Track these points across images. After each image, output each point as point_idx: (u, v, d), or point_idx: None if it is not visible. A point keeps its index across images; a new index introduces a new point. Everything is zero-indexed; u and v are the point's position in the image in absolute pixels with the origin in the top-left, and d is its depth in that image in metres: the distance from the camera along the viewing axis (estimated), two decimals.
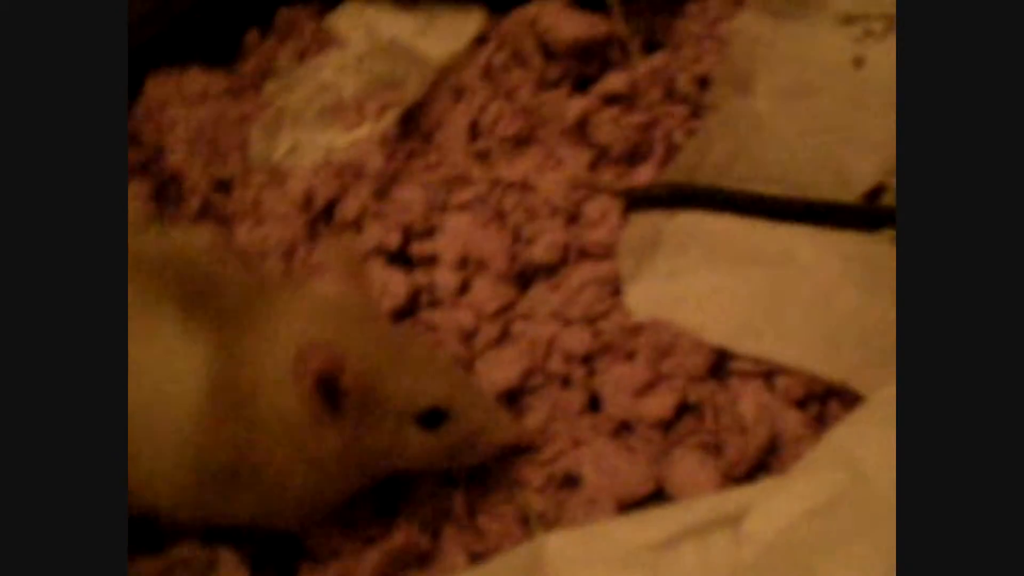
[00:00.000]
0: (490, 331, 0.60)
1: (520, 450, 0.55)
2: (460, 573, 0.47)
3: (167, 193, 0.68)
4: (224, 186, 0.69)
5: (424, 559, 0.51)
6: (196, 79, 0.74)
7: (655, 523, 0.48)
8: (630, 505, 0.52)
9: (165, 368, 0.48)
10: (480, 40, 0.76)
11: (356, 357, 0.47)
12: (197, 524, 0.51)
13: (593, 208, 0.62)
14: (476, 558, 0.51)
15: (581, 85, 0.72)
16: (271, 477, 0.49)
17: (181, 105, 0.72)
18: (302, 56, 0.77)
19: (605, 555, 0.47)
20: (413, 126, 0.72)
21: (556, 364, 0.58)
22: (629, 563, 0.47)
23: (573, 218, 0.63)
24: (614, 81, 0.67)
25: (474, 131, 0.71)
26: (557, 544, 0.47)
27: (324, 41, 0.77)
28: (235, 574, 0.49)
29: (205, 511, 0.50)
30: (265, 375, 0.48)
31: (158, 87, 0.73)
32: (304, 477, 0.49)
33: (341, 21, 0.79)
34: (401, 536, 0.50)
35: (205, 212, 0.67)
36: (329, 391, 0.47)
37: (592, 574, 0.46)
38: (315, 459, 0.49)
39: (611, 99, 0.66)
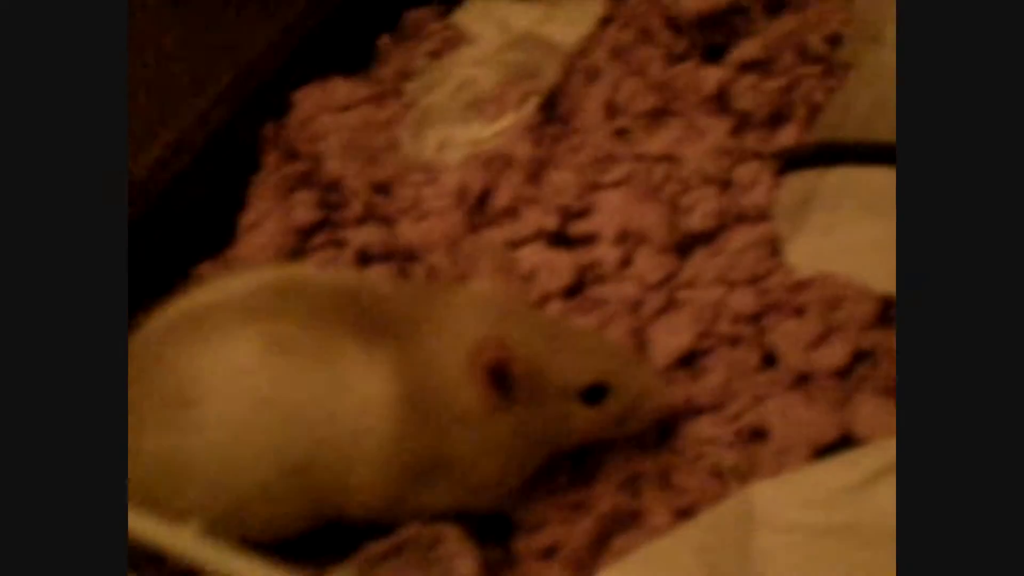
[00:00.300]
0: (656, 300, 0.63)
1: (699, 410, 0.58)
2: (678, 527, 0.50)
3: (330, 200, 0.72)
4: (382, 188, 0.73)
5: (632, 519, 0.54)
6: (340, 88, 0.78)
7: (851, 466, 0.51)
8: (821, 451, 0.54)
9: (354, 387, 0.51)
10: (605, 21, 0.79)
11: (521, 345, 0.51)
12: (392, 519, 0.55)
13: (744, 173, 0.65)
14: (680, 514, 0.54)
15: (709, 54, 0.75)
16: (463, 468, 0.53)
17: (329, 115, 0.76)
18: (435, 55, 0.80)
19: (809, 499, 0.50)
20: (552, 111, 0.75)
21: (725, 326, 0.61)
22: (832, 504, 0.50)
23: (725, 184, 0.65)
24: (748, 48, 0.69)
25: (611, 110, 0.74)
26: (764, 492, 0.50)
27: (454, 39, 0.81)
28: (461, 547, 0.53)
29: (404, 507, 0.54)
30: (445, 374, 0.52)
31: (306, 100, 0.77)
32: (491, 462, 0.53)
33: (467, 17, 0.82)
34: (609, 500, 0.54)
35: (368, 214, 0.71)
36: (500, 380, 0.51)
37: (799, 517, 0.49)
38: (497, 445, 0.53)
39: (747, 66, 0.69)
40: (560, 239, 0.67)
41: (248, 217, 0.71)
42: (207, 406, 0.51)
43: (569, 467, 0.58)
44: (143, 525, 0.31)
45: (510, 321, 0.54)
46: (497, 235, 0.68)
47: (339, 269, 0.67)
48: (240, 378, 0.51)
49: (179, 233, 0.71)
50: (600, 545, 0.53)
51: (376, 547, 0.54)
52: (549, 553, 0.55)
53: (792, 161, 0.63)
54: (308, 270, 0.57)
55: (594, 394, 0.53)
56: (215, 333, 0.52)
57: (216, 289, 0.55)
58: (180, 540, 0.30)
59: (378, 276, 0.65)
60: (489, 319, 0.53)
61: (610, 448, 0.58)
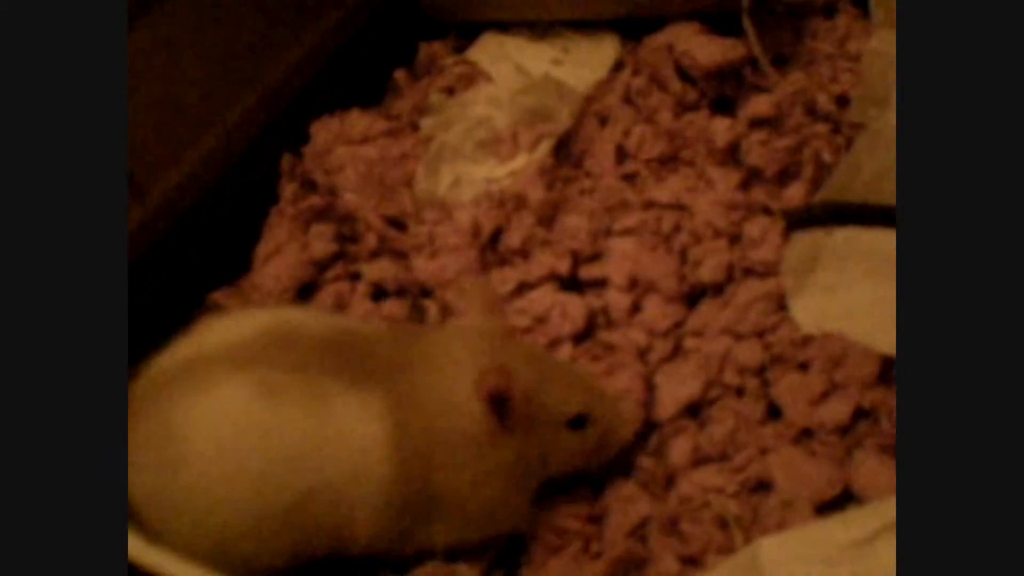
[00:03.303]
0: (664, 348, 0.65)
1: (710, 459, 0.60)
2: None
3: (345, 232, 0.73)
4: (397, 223, 0.74)
5: (640, 566, 0.56)
6: (357, 121, 0.79)
7: (852, 523, 0.53)
8: (823, 506, 0.57)
9: (348, 432, 0.53)
10: (618, 66, 0.81)
11: (518, 376, 0.54)
12: (394, 555, 0.57)
13: (753, 228, 0.67)
14: (686, 562, 0.56)
15: (719, 105, 0.77)
16: (462, 499, 0.55)
17: (346, 147, 0.78)
18: (450, 92, 0.82)
19: (814, 554, 0.52)
20: (564, 154, 0.77)
21: (731, 377, 0.63)
22: (835, 561, 0.52)
23: (735, 238, 0.67)
24: (758, 105, 0.71)
25: (621, 155, 0.76)
26: (771, 547, 0.53)
27: (468, 76, 0.82)
28: None
29: (406, 544, 0.56)
30: (441, 408, 0.54)
31: (323, 131, 0.79)
32: (489, 491, 0.56)
33: (482, 55, 0.84)
34: (620, 545, 0.56)
35: (383, 248, 0.73)
36: (501, 408, 0.54)
37: (805, 572, 0.52)
38: (495, 471, 0.55)
39: (757, 122, 0.71)
40: (571, 283, 0.69)
41: (264, 247, 0.73)
42: (193, 447, 0.52)
43: (578, 508, 0.60)
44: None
45: (503, 353, 0.56)
46: (509, 275, 0.70)
47: (330, 313, 0.68)
48: (226, 423, 0.52)
49: (195, 260, 0.73)
50: None
51: None
52: None
53: (800, 219, 0.66)
54: (300, 314, 0.58)
55: (577, 423, 0.56)
56: (205, 380, 0.53)
57: (210, 334, 0.56)
58: None
59: (369, 321, 0.67)
60: (484, 351, 0.56)
61: (619, 488, 0.60)
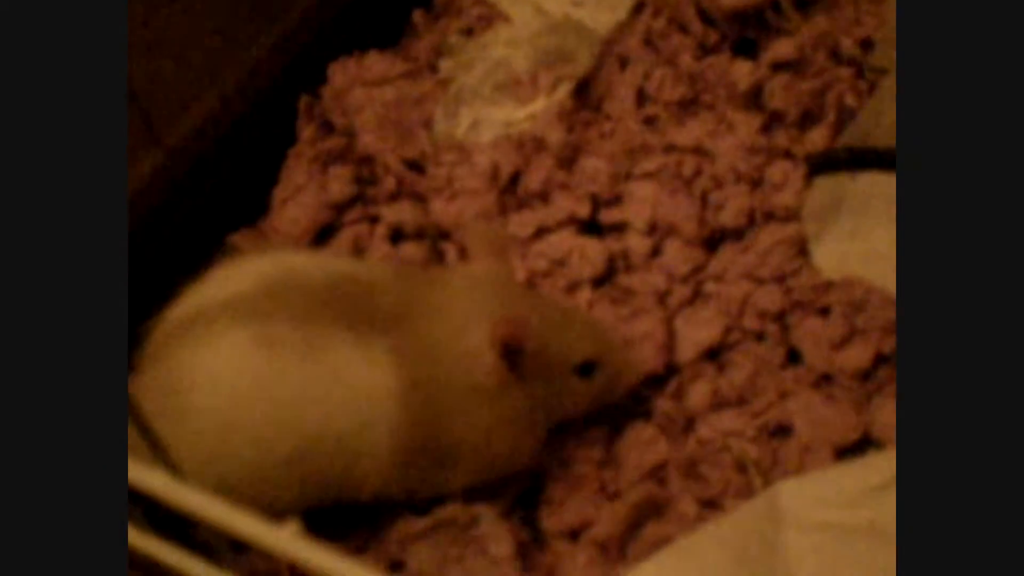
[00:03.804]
0: (683, 292, 0.65)
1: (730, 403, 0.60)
2: (707, 523, 0.53)
3: (363, 175, 0.73)
4: (416, 165, 0.74)
5: (659, 508, 0.56)
6: (375, 63, 0.78)
7: (874, 468, 0.53)
8: (842, 451, 0.57)
9: (353, 381, 0.53)
10: (638, 7, 0.80)
11: (530, 325, 0.54)
12: (407, 501, 0.57)
13: (775, 172, 0.67)
14: (705, 505, 0.56)
15: (740, 48, 0.76)
16: (475, 446, 0.56)
17: (364, 89, 0.77)
18: (469, 33, 0.81)
19: (832, 498, 0.53)
20: (584, 96, 0.76)
21: (750, 321, 0.63)
22: (855, 504, 0.52)
23: (756, 183, 0.67)
24: (782, 48, 0.71)
25: (641, 97, 0.75)
26: (789, 491, 0.53)
27: (487, 17, 0.81)
28: (497, 528, 0.55)
29: (418, 488, 0.57)
30: (452, 356, 0.55)
31: (341, 73, 0.78)
32: (503, 437, 0.56)
33: None
34: (641, 488, 0.56)
35: (400, 191, 0.72)
36: (513, 356, 0.54)
37: (823, 516, 0.52)
38: (507, 418, 0.56)
39: (780, 65, 0.70)
40: (591, 227, 0.69)
41: (283, 189, 0.73)
42: (195, 398, 0.53)
43: (595, 451, 0.60)
44: (241, 521, 0.33)
45: (512, 300, 0.57)
46: (528, 219, 0.70)
47: (334, 256, 0.68)
48: (225, 375, 0.53)
49: (214, 203, 0.72)
50: (631, 533, 0.55)
51: (412, 525, 0.56)
52: (576, 534, 0.57)
53: (823, 164, 0.65)
54: (302, 261, 0.58)
55: (586, 369, 0.57)
56: (207, 332, 0.54)
57: (213, 285, 0.56)
58: (279, 538, 0.32)
59: (373, 263, 0.67)
60: (494, 299, 0.56)
61: (637, 431, 0.60)
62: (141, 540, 0.37)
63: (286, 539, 0.32)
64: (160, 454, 0.39)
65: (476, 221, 0.69)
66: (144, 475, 0.34)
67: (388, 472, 0.55)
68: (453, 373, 0.55)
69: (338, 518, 0.56)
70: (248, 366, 0.53)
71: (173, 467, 0.39)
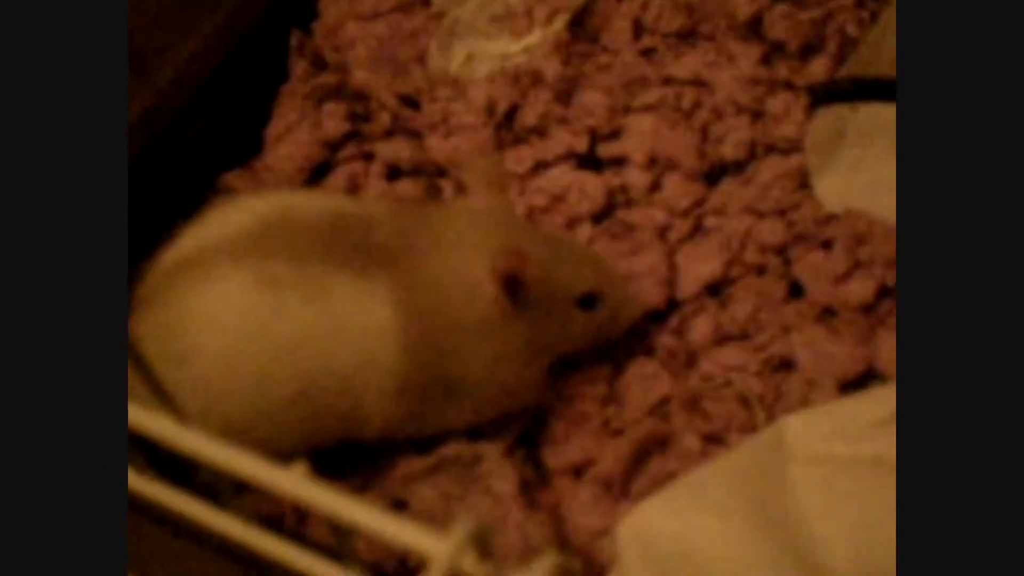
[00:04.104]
0: (683, 227, 0.64)
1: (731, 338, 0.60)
2: (711, 457, 0.53)
3: (357, 110, 0.72)
4: (410, 101, 0.73)
5: (663, 443, 0.56)
6: None
7: (879, 401, 0.53)
8: (846, 385, 0.56)
9: (353, 318, 0.53)
10: None
11: (531, 257, 0.53)
12: (410, 439, 0.57)
13: (776, 104, 0.66)
14: (709, 440, 0.56)
15: None
16: (477, 381, 0.55)
17: (357, 23, 0.76)
18: None
19: (838, 432, 0.52)
20: (580, 28, 0.75)
21: (752, 255, 0.62)
22: (859, 438, 0.52)
23: (757, 114, 0.66)
24: None
25: (638, 29, 0.74)
26: (794, 424, 0.53)
27: None
28: (500, 465, 0.55)
29: (422, 426, 0.57)
30: (451, 291, 0.54)
31: (332, 6, 0.77)
32: (505, 371, 0.56)
33: None
34: (644, 424, 0.56)
35: (395, 127, 0.71)
36: (514, 288, 0.53)
37: (828, 449, 0.52)
38: (510, 352, 0.55)
39: None
40: (589, 161, 0.68)
41: (275, 127, 0.71)
42: (195, 340, 0.52)
43: (597, 388, 0.60)
44: (248, 464, 0.33)
45: (512, 234, 0.56)
46: (526, 154, 0.69)
47: (330, 194, 0.67)
48: (225, 316, 0.52)
49: (206, 142, 0.71)
50: (635, 469, 0.55)
51: (415, 464, 0.56)
52: (579, 471, 0.57)
53: (824, 95, 0.64)
54: (298, 199, 0.57)
55: (588, 301, 0.56)
56: (206, 274, 0.53)
57: (209, 226, 0.56)
58: (287, 480, 0.32)
59: (369, 200, 0.66)
60: (494, 232, 0.56)
61: (636, 365, 0.60)
62: (142, 484, 0.37)
63: (294, 480, 0.32)
64: (162, 397, 0.38)
65: (474, 156, 0.69)
66: (146, 419, 0.34)
67: (391, 410, 0.54)
68: (454, 307, 0.54)
69: (339, 458, 0.56)
70: (250, 306, 0.52)
71: (176, 410, 0.38)
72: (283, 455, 0.51)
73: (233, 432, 0.52)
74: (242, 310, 0.53)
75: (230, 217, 0.56)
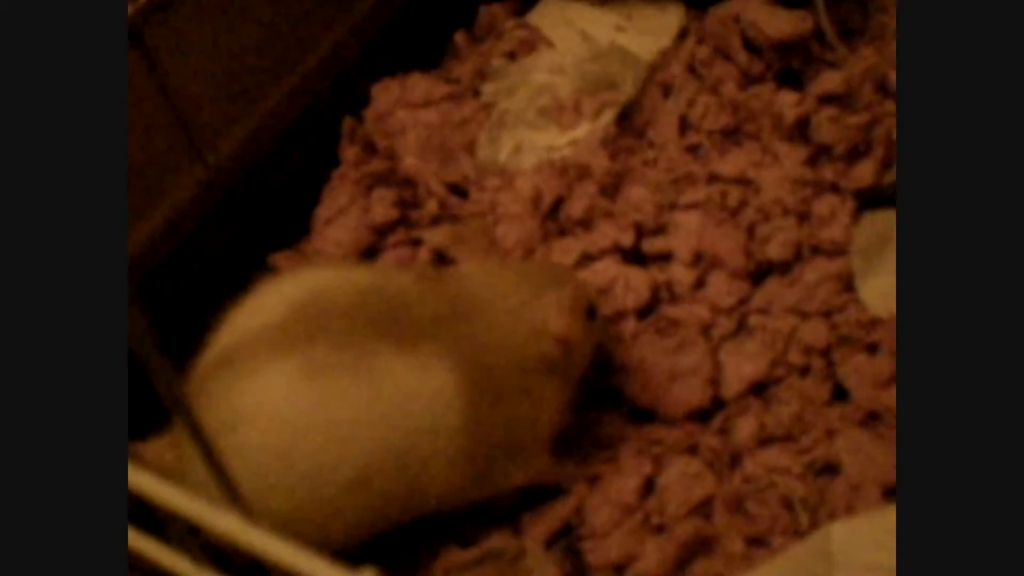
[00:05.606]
0: (728, 325, 0.65)
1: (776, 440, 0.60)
2: (758, 563, 0.53)
3: (405, 197, 0.73)
4: (458, 189, 0.74)
5: (707, 544, 0.56)
6: (418, 85, 0.78)
7: None
8: (891, 491, 0.56)
9: (408, 391, 0.53)
10: (682, 34, 0.80)
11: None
12: (467, 505, 0.57)
13: (822, 206, 0.67)
14: (752, 543, 0.56)
15: (783, 77, 0.76)
16: (532, 423, 0.57)
17: (407, 111, 0.77)
18: (511, 57, 0.81)
19: (885, 540, 0.52)
20: (627, 123, 0.76)
21: (796, 356, 0.63)
22: None
23: (803, 216, 0.67)
24: (829, 81, 0.70)
25: (684, 125, 0.75)
26: (841, 531, 0.53)
27: (529, 41, 0.81)
28: (543, 560, 0.55)
29: (484, 487, 0.57)
30: (512, 338, 0.56)
31: (383, 94, 0.78)
32: (556, 396, 0.58)
33: (542, 19, 0.83)
34: (690, 525, 0.56)
35: (443, 214, 0.72)
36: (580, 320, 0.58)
37: (875, 558, 0.52)
38: (560, 387, 0.58)
39: (827, 98, 0.70)
40: (635, 256, 0.69)
41: (325, 210, 0.73)
42: (242, 437, 0.51)
43: (632, 480, 0.60)
44: (319, 568, 0.33)
45: (558, 275, 0.61)
46: (572, 246, 0.69)
47: (351, 267, 0.67)
48: (276, 407, 0.52)
49: (256, 223, 0.72)
50: (678, 570, 0.55)
51: (458, 556, 0.56)
52: (620, 569, 0.57)
53: (871, 199, 0.65)
54: (325, 279, 0.57)
55: (591, 314, 0.60)
56: (247, 368, 0.53)
57: (245, 315, 0.55)
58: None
59: (388, 270, 0.67)
60: (540, 279, 0.59)
61: (683, 468, 0.60)
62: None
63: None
64: (229, 493, 0.39)
65: (460, 226, 0.70)
66: (216, 517, 0.34)
67: (453, 476, 0.55)
68: (513, 356, 0.56)
69: (381, 551, 0.56)
70: (298, 396, 0.52)
71: (245, 508, 0.39)
72: (338, 544, 0.52)
73: (287, 525, 0.52)
74: (291, 401, 0.52)
75: (263, 304, 0.55)
